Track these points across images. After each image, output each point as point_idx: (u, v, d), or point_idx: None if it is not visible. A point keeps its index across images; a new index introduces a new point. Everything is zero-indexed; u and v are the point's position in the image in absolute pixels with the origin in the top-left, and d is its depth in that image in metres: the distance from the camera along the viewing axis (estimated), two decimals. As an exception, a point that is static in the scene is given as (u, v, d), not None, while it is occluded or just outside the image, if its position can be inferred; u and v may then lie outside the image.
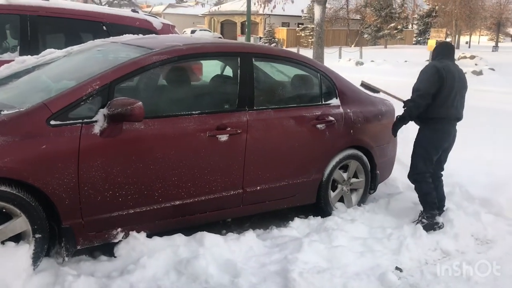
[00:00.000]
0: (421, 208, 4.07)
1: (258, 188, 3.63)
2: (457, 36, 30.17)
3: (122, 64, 3.06)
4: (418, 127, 4.15)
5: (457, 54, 22.36)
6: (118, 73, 3.00)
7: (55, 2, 5.20)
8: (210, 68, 4.29)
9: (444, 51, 4.09)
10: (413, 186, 4.13)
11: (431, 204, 4.01)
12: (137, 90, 3.42)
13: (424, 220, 3.94)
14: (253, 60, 3.64)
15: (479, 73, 17.82)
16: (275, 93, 3.97)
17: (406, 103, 4.05)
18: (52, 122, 2.71)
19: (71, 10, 5.25)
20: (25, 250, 2.67)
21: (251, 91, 3.56)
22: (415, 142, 4.10)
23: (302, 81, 4.13)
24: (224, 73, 3.99)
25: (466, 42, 53.77)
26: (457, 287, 3.16)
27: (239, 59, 3.57)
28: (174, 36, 4.63)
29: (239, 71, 3.55)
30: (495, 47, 40.89)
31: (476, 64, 19.84)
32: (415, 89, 3.95)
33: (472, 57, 21.14)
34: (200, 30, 41.53)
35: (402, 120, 4.09)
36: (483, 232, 3.95)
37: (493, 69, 18.73)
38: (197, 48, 3.54)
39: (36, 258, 2.74)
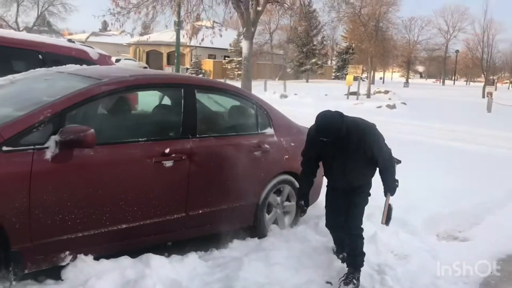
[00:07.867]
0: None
1: (200, 211, 3.84)
2: (372, 72, 32.35)
3: (73, 93, 3.20)
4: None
5: (373, 89, 24.04)
6: (69, 102, 3.13)
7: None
8: (147, 99, 4.44)
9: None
10: None
11: (362, 264, 3.71)
12: (86, 118, 3.52)
13: (355, 282, 3.55)
14: (196, 91, 3.91)
15: (393, 106, 19.35)
16: (216, 122, 4.27)
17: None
18: (4, 148, 2.78)
19: (4, 37, 5.13)
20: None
21: (194, 120, 3.81)
22: (364, 199, 3.76)
23: (240, 112, 4.45)
24: (167, 103, 4.21)
25: (380, 78, 57.91)
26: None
27: (183, 90, 3.82)
28: (119, 68, 4.78)
29: (183, 101, 3.79)
30: (406, 83, 44.34)
31: (390, 99, 21.46)
32: (390, 153, 3.70)
33: (386, 92, 22.85)
34: (125, 59, 40.84)
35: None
36: (400, 248, 4.40)
37: (405, 103, 20.36)
38: (143, 79, 3.76)
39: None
